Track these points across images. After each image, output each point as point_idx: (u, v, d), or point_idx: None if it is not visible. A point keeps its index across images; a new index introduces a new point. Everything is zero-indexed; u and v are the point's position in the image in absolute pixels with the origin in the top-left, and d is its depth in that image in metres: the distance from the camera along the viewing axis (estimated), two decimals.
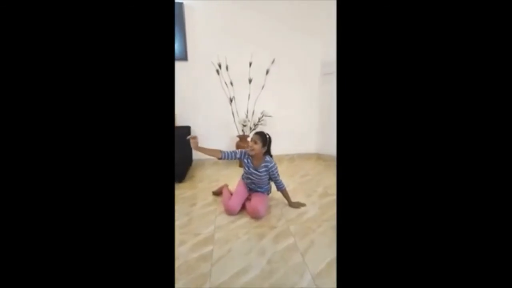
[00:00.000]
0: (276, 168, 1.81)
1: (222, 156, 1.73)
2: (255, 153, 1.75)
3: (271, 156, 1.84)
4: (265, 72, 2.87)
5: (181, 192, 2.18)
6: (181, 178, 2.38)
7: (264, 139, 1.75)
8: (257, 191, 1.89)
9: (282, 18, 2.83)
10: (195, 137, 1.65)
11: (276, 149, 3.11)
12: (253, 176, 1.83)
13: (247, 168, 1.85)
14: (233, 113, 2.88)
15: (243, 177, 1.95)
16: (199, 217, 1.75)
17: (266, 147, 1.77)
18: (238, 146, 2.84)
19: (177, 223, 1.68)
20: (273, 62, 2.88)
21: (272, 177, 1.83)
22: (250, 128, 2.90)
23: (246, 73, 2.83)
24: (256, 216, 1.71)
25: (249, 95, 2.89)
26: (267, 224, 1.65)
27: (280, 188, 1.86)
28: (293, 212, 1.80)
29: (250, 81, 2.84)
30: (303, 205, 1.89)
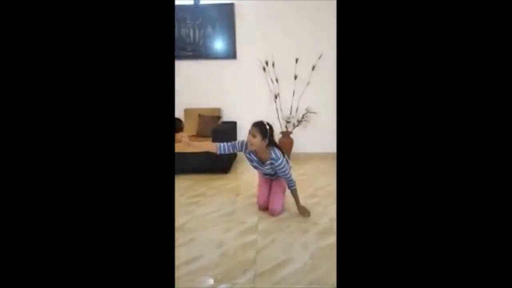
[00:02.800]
0: (284, 166, 1.56)
1: (219, 151, 1.58)
2: (255, 147, 1.54)
3: (278, 147, 1.61)
4: (311, 68, 2.83)
5: (227, 182, 2.31)
6: (227, 170, 2.52)
7: (264, 131, 1.50)
8: (277, 178, 1.73)
9: (330, 13, 2.74)
10: (183, 136, 1.53)
11: (320, 146, 3.07)
12: (259, 170, 1.70)
13: (251, 162, 1.68)
14: (277, 110, 2.92)
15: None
16: (244, 207, 1.84)
17: (267, 139, 1.53)
18: (281, 143, 2.88)
19: (223, 211, 1.80)
20: (320, 57, 2.81)
21: (280, 175, 1.61)
22: (294, 125, 2.90)
23: (292, 69, 2.83)
24: (272, 215, 1.69)
25: (293, 91, 2.88)
26: (309, 220, 1.66)
27: (290, 186, 1.64)
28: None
29: (295, 77, 2.84)
30: (307, 213, 1.66)
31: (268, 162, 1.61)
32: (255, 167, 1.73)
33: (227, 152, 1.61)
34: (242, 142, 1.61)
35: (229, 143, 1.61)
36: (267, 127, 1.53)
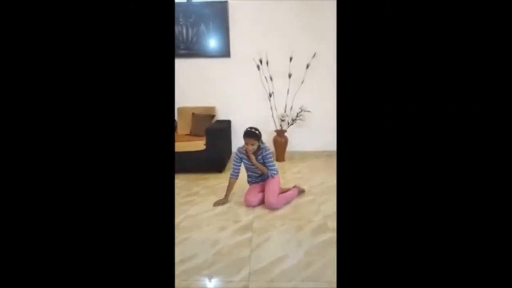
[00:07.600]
0: (270, 153, 1.86)
1: (234, 176, 1.88)
2: (255, 148, 1.84)
3: (262, 142, 1.92)
4: (305, 67, 2.83)
5: (221, 181, 2.29)
6: (221, 168, 2.51)
7: (257, 136, 1.80)
8: (267, 179, 1.90)
9: (324, 12, 2.75)
10: (222, 201, 1.88)
11: (314, 144, 3.09)
12: (253, 168, 1.91)
13: (247, 166, 1.92)
14: (271, 108, 2.92)
15: (248, 181, 2.00)
16: (238, 206, 1.84)
17: (261, 139, 1.85)
18: (275, 141, 2.88)
19: (217, 210, 1.79)
20: (314, 56, 2.82)
21: (266, 161, 1.86)
22: (288, 123, 2.90)
23: (286, 68, 2.83)
24: (270, 208, 1.76)
25: (288, 90, 2.89)
26: (304, 218, 1.67)
27: (272, 174, 1.85)
28: (331, 208, 1.78)
29: (289, 75, 2.84)
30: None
31: (259, 157, 1.87)
32: (251, 169, 1.93)
33: (239, 170, 1.90)
34: (236, 155, 1.90)
35: (233, 166, 1.90)
36: (257, 132, 1.82)
